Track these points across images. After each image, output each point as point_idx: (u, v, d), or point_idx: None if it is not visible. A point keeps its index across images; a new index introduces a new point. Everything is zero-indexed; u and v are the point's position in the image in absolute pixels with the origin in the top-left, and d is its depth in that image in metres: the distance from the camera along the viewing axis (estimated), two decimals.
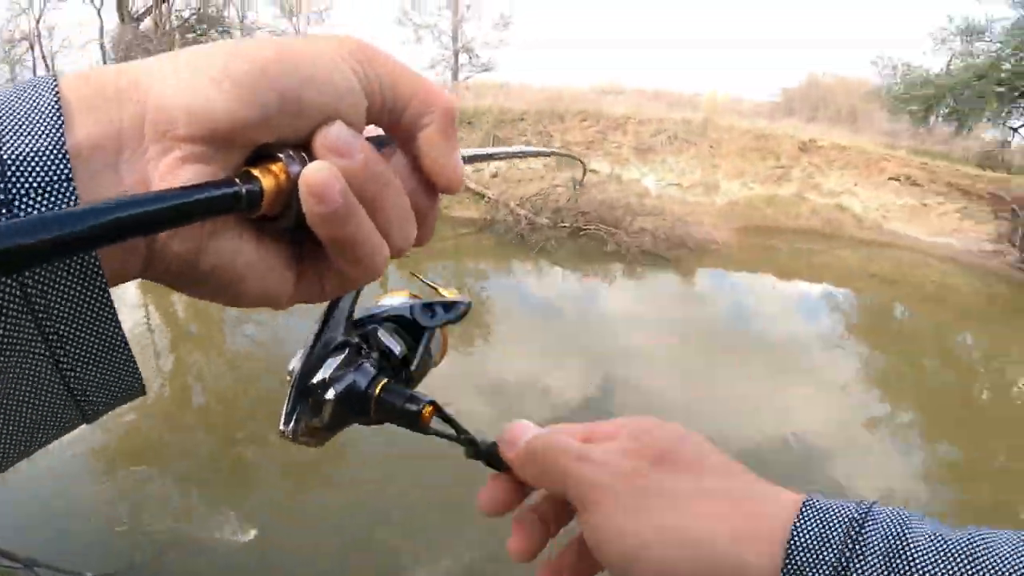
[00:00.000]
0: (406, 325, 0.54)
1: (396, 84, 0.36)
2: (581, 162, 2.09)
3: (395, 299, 0.57)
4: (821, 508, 0.42)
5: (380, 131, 0.39)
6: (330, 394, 0.46)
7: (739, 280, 12.90)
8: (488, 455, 0.53)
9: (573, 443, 0.49)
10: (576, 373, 7.83)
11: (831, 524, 0.40)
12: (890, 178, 16.80)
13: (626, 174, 15.63)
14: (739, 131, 16.64)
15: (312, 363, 0.47)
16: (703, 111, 17.00)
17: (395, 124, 0.37)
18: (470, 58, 25.14)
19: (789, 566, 0.39)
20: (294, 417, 0.46)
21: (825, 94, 24.75)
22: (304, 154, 0.33)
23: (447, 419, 0.52)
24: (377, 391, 0.48)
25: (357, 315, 0.51)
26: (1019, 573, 0.36)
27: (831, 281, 13.36)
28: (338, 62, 0.33)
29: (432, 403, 0.50)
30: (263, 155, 0.33)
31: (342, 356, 0.47)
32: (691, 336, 9.71)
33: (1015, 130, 20.68)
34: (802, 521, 0.41)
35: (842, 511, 0.42)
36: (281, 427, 0.46)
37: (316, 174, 0.32)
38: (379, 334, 0.52)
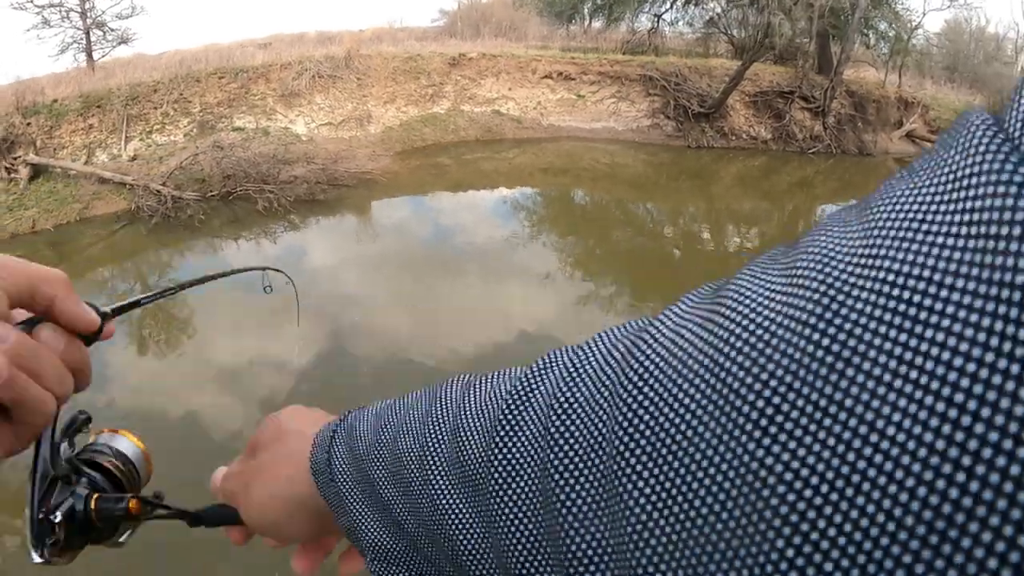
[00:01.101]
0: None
1: (18, 278, 0.46)
2: (277, 270, 1.54)
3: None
4: (324, 428, 0.56)
5: (28, 314, 0.49)
6: (57, 517, 0.53)
7: (417, 202, 12.84)
8: (212, 516, 0.61)
9: (218, 472, 0.63)
10: (298, 339, 7.31)
11: (323, 434, 0.55)
12: (543, 77, 17.56)
13: (273, 125, 14.82)
14: (385, 57, 16.41)
15: (38, 499, 0.54)
16: (346, 44, 16.49)
17: (33, 305, 0.48)
18: (104, 33, 22.49)
19: (314, 476, 0.53)
20: (39, 546, 0.54)
21: (485, 10, 25.27)
22: None
23: (154, 503, 0.59)
24: (93, 504, 0.56)
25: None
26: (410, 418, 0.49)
27: (505, 184, 13.74)
28: None
29: (134, 497, 0.57)
30: None
31: (57, 487, 0.55)
32: (391, 268, 9.53)
33: (658, 16, 22.50)
34: (314, 443, 0.55)
35: (331, 423, 0.56)
36: (35, 558, 0.53)
37: None
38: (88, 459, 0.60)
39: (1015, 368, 0.18)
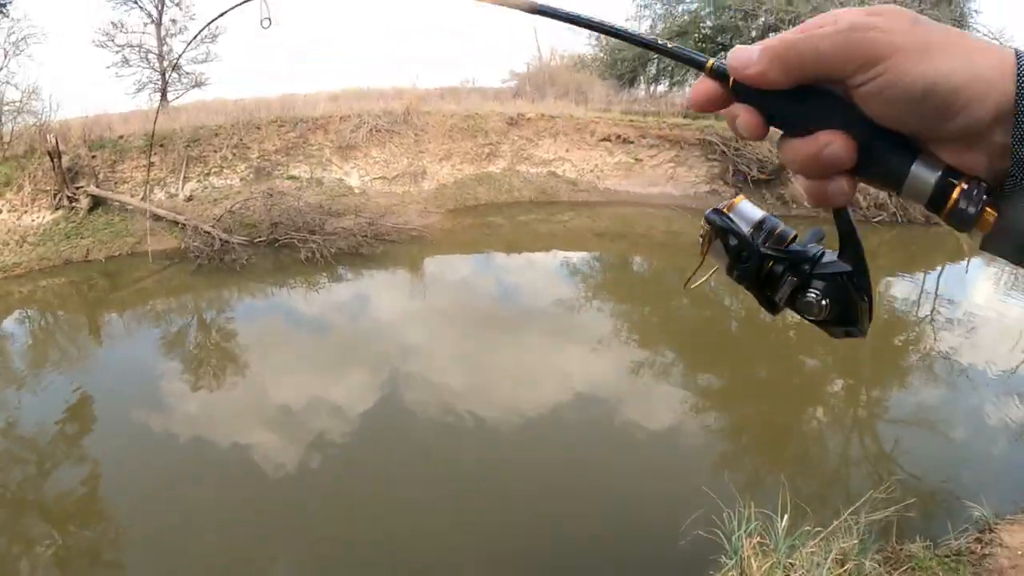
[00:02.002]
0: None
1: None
2: None
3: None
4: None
5: None
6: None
7: (471, 260, 12.64)
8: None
9: (837, 20, 0.57)
10: (356, 385, 7.32)
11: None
12: (601, 140, 17.35)
13: (328, 175, 14.91)
14: (444, 115, 16.46)
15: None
16: (406, 100, 16.61)
17: None
18: (179, 76, 23.31)
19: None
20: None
21: (553, 73, 25.43)
22: None
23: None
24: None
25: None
26: None
27: (560, 247, 13.45)
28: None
29: None
30: None
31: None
32: (445, 324, 9.38)
33: None
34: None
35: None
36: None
37: None
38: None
39: None
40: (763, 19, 17.54)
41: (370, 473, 5.70)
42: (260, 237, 12.05)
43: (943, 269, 14.62)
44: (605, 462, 5.74)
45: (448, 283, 11.47)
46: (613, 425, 6.39)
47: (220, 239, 11.66)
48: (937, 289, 12.84)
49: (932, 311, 11.08)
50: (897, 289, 12.64)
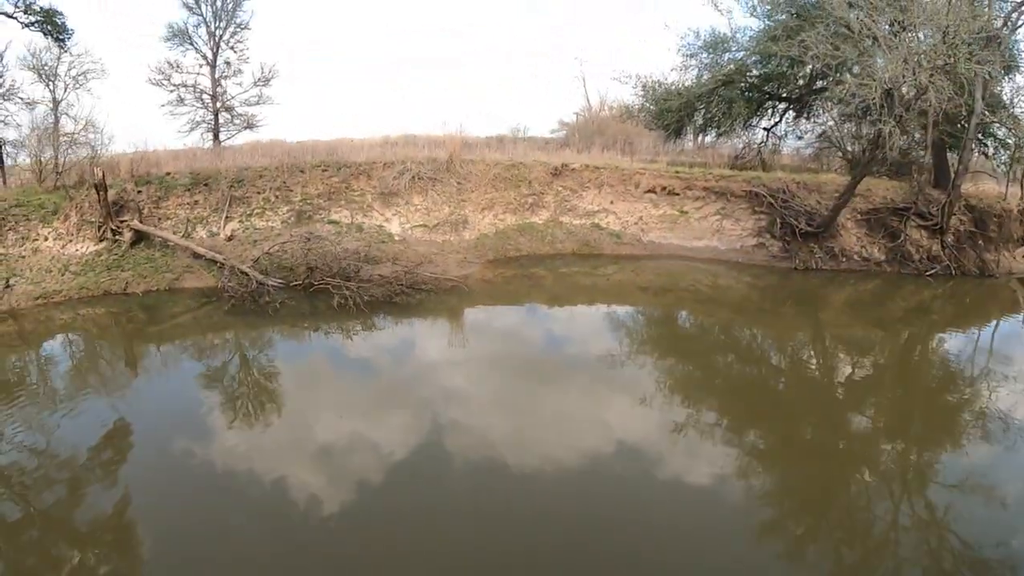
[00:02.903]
0: None
1: None
2: None
3: None
4: None
5: None
6: None
7: (512, 312, 12.34)
8: None
9: None
10: (396, 429, 7.19)
11: None
12: (646, 191, 17.05)
13: (368, 221, 14.81)
14: (488, 163, 16.35)
15: None
16: (448, 147, 16.55)
17: None
18: (232, 117, 23.73)
19: None
20: None
21: (601, 124, 25.40)
22: None
23: None
24: None
25: None
26: None
27: (603, 301, 13.09)
28: None
29: None
30: None
31: None
32: (488, 373, 9.13)
33: (767, 130, 21.91)
34: None
35: None
36: None
37: None
38: None
39: None
40: (810, 66, 17.15)
41: (408, 516, 5.46)
42: (296, 281, 11.92)
43: (998, 323, 13.86)
44: (638, 520, 5.41)
45: (489, 332, 11.14)
46: (651, 482, 6.08)
47: (256, 280, 11.56)
48: (992, 344, 12.14)
49: (986, 367, 10.42)
50: (950, 344, 11.98)
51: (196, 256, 12.82)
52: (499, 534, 5.20)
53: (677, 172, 17.57)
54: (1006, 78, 17.98)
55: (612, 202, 16.83)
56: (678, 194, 17.09)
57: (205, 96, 23.53)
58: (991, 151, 19.84)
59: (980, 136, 18.38)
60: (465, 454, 6.53)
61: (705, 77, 20.67)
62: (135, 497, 5.72)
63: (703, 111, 21.18)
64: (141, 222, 13.19)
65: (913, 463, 6.88)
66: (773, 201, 16.44)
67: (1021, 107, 18.46)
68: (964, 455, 7.04)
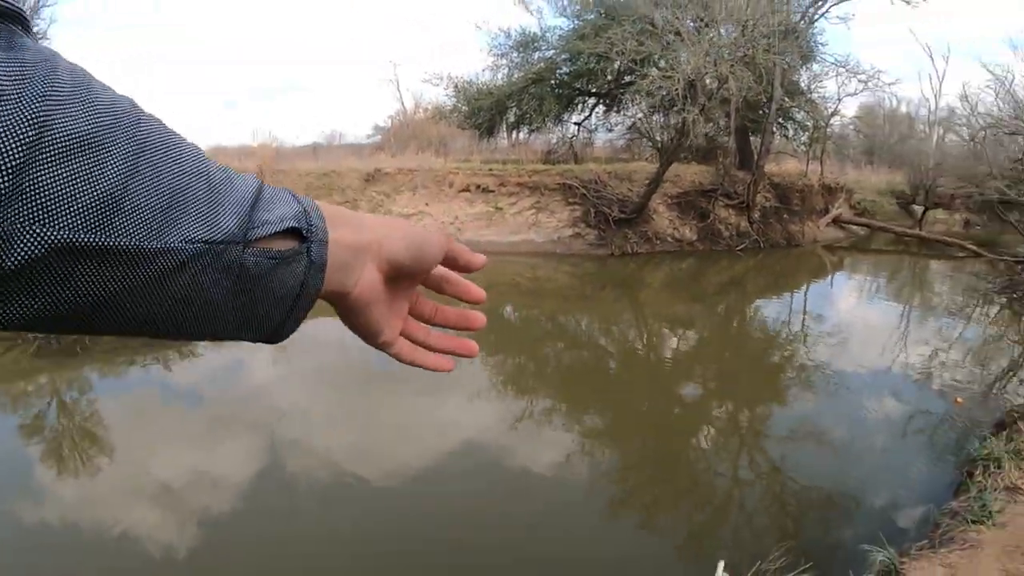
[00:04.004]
0: None
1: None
2: None
3: None
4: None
5: None
6: None
7: (327, 324, 11.52)
8: None
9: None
10: (237, 456, 6.32)
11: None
12: (461, 190, 16.94)
13: None
14: (300, 173, 15.64)
15: None
16: (258, 158, 15.66)
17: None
18: None
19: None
20: None
21: (416, 127, 25.06)
22: None
23: None
24: None
25: None
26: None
27: None
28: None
29: None
30: None
31: None
32: (312, 383, 8.70)
33: (579, 125, 22.58)
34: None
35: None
36: None
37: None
38: None
39: None
40: (617, 62, 17.83)
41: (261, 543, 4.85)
42: None
43: (808, 286, 14.99)
44: (496, 511, 5.20)
45: (309, 346, 10.43)
46: (502, 474, 5.89)
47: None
48: (805, 305, 13.07)
49: (802, 326, 11.20)
50: (767, 310, 12.76)
51: None
52: (358, 551, 4.79)
53: (491, 169, 17.64)
54: (804, 67, 19.73)
55: (427, 204, 16.59)
56: (492, 191, 17.13)
57: None
58: (791, 133, 21.91)
59: (780, 120, 20.14)
60: (311, 473, 6.01)
61: (516, 76, 21.02)
62: None
63: (515, 109, 21.56)
64: None
65: (747, 421, 7.18)
66: (586, 192, 16.87)
67: (818, 93, 20.42)
68: (792, 407, 7.52)
